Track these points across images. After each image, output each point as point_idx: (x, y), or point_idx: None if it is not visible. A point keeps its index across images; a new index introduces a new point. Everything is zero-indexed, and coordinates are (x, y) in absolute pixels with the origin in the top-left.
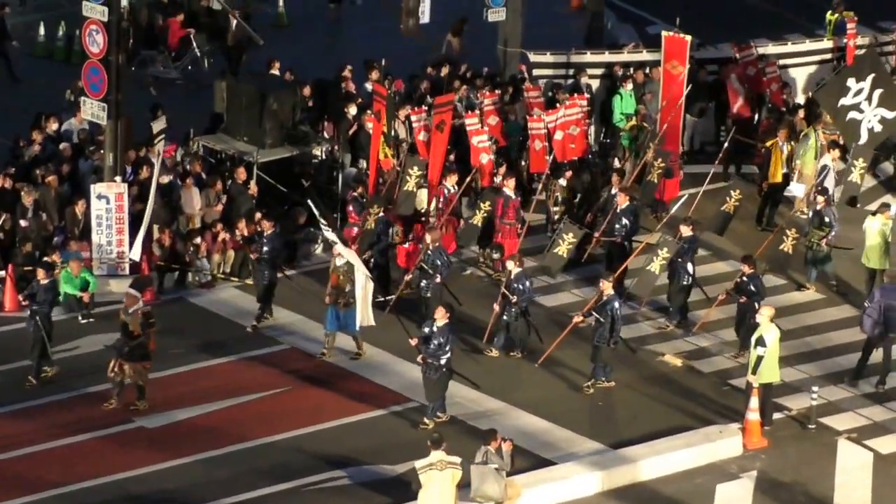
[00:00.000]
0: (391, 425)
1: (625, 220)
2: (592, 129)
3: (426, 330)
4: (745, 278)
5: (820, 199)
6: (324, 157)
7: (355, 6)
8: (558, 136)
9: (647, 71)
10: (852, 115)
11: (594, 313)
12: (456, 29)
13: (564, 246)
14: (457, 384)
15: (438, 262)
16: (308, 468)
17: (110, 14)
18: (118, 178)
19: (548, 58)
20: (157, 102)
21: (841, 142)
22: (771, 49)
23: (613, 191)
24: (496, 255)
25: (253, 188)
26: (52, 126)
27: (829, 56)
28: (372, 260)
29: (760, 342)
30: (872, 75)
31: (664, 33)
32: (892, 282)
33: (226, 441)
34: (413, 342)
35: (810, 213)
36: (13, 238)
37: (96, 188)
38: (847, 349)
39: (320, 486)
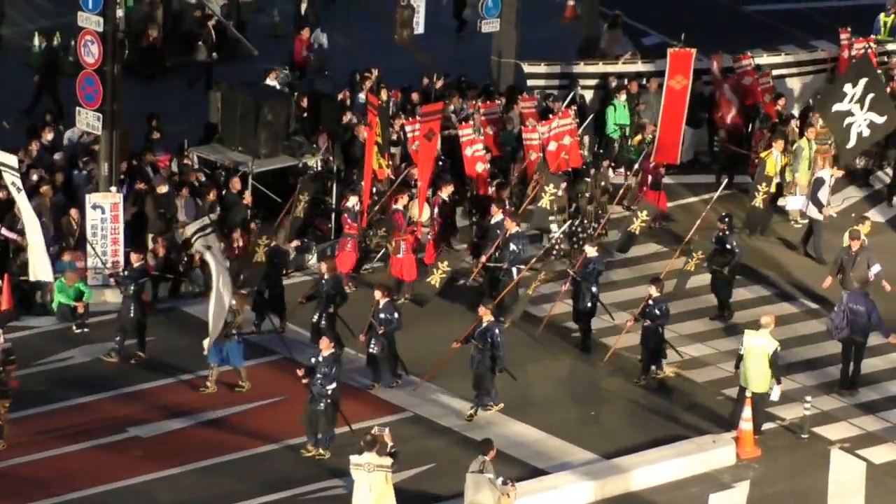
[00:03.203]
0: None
1: (513, 247)
2: (587, 139)
3: (311, 360)
4: (650, 301)
5: (720, 225)
6: (319, 167)
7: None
8: (552, 146)
9: (644, 82)
10: (847, 120)
11: (473, 340)
12: (611, 23)
13: (438, 275)
14: (452, 396)
15: (333, 292)
16: (305, 477)
17: (105, 24)
18: (113, 189)
19: (541, 68)
20: (153, 112)
21: (833, 151)
22: (765, 59)
23: (494, 219)
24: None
25: (248, 198)
26: (48, 136)
27: (823, 66)
28: (266, 291)
29: (742, 344)
30: (865, 79)
31: (669, 49)
32: (860, 287)
33: (221, 451)
34: (299, 373)
35: (713, 239)
36: (8, 248)
37: (91, 198)
38: (840, 359)
39: (317, 495)
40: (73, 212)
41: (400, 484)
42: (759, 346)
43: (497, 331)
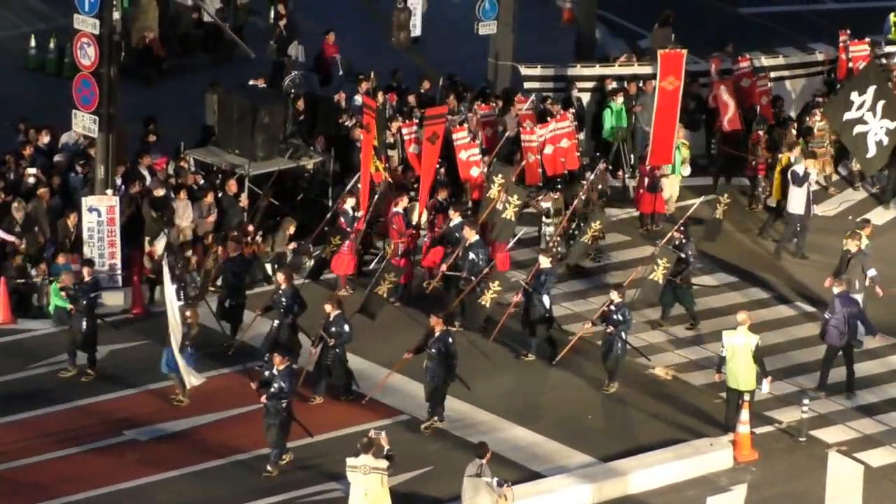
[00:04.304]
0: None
1: (472, 256)
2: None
3: (266, 374)
4: (612, 307)
5: (677, 234)
6: (315, 170)
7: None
8: (548, 150)
9: (641, 84)
10: (858, 128)
11: (427, 350)
12: (662, 20)
13: (385, 286)
14: (449, 398)
15: (291, 302)
16: (302, 481)
17: (102, 27)
18: (109, 191)
19: (538, 71)
20: (149, 116)
21: (831, 153)
22: (763, 62)
23: (452, 223)
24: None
25: (244, 201)
26: (44, 139)
27: (819, 69)
28: (227, 301)
29: (722, 346)
30: (874, 87)
31: (660, 51)
32: (848, 289)
33: (219, 453)
34: (253, 386)
35: (669, 248)
36: (4, 251)
37: (88, 201)
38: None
39: (314, 498)
40: (71, 215)
41: (396, 487)
42: (739, 344)
43: (450, 339)
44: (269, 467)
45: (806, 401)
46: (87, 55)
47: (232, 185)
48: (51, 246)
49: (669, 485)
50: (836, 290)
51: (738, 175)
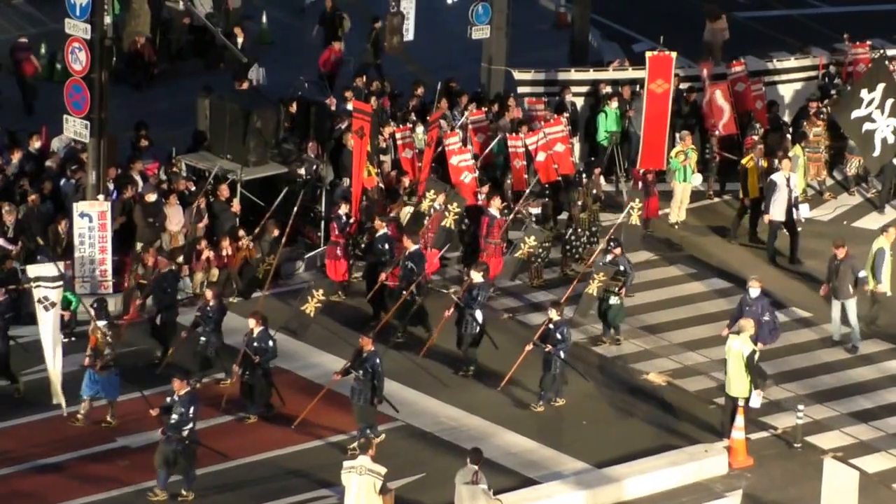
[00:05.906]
0: (379, 443)
1: (409, 265)
2: (577, 147)
3: (167, 400)
4: (551, 325)
5: (617, 249)
6: (308, 175)
7: None
8: (540, 157)
9: (638, 89)
10: (867, 126)
11: (353, 370)
12: (712, 16)
13: (313, 304)
14: (443, 405)
15: (218, 318)
16: (295, 487)
17: (93, 32)
18: (101, 196)
19: (532, 75)
20: (141, 120)
21: (825, 158)
22: (756, 66)
23: (378, 233)
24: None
25: (236, 206)
26: (35, 144)
27: (814, 73)
28: (159, 316)
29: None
30: (883, 85)
31: (648, 53)
32: (759, 287)
33: (210, 460)
34: (154, 412)
35: (606, 263)
36: None
37: (79, 206)
38: (832, 368)
39: None
40: (62, 221)
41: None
42: (735, 349)
43: (377, 360)
44: (182, 491)
45: (801, 406)
46: (78, 60)
47: (223, 191)
48: (42, 251)
49: (664, 491)
50: (755, 292)
51: (734, 180)
